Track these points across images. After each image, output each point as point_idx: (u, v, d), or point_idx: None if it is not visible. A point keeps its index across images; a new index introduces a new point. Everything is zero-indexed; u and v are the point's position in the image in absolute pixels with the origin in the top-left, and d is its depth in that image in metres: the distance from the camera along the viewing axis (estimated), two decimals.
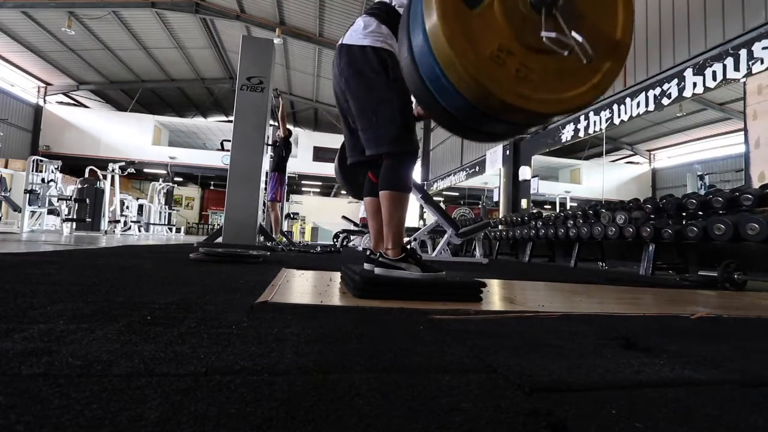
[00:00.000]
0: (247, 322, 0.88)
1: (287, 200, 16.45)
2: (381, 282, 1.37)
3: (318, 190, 23.23)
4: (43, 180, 8.27)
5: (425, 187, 8.02)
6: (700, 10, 5.69)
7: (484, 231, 4.99)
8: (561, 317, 1.16)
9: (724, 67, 5.21)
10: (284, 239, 6.64)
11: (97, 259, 2.31)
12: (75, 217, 8.09)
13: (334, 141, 17.80)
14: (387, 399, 0.50)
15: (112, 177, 9.24)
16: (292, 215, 14.21)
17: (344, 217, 9.64)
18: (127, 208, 10.55)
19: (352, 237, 9.56)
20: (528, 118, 1.03)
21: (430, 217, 5.75)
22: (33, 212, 7.99)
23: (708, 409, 0.52)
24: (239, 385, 0.51)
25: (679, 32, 5.98)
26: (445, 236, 4.70)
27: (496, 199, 12.24)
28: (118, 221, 9.69)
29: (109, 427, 0.39)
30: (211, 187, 23.38)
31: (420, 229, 5.56)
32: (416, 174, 15.72)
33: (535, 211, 8.32)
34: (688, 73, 5.71)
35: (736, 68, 5.07)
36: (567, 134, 8.21)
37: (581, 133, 7.85)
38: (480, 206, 18.33)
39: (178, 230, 15.77)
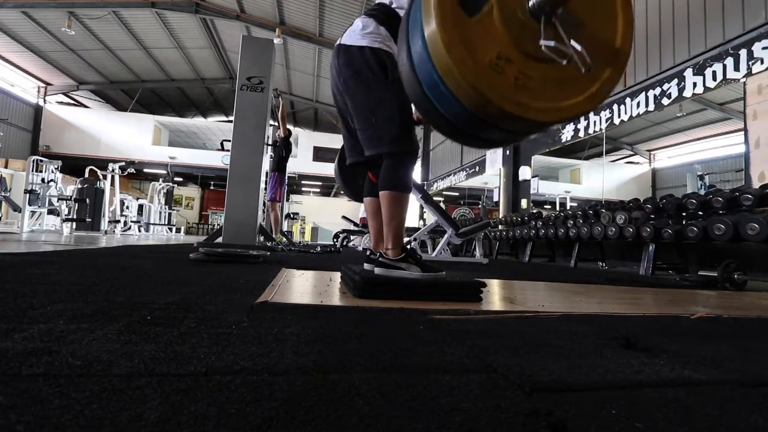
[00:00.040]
0: (247, 322, 0.88)
1: (287, 200, 16.46)
2: (381, 282, 1.37)
3: (318, 190, 23.23)
4: (43, 180, 8.27)
5: (425, 187, 8.02)
6: (700, 10, 5.69)
7: (484, 231, 4.99)
8: (561, 317, 1.16)
9: (724, 67, 5.21)
10: (284, 239, 6.64)
11: (97, 259, 2.31)
12: (75, 217, 8.09)
13: (334, 141, 17.83)
14: (387, 399, 0.50)
15: (112, 177, 9.24)
16: (292, 215, 14.21)
17: (344, 217, 9.64)
18: (127, 208, 10.55)
19: (352, 237, 9.56)
20: (526, 126, 1.03)
21: (430, 217, 5.75)
22: (33, 212, 7.99)
23: (708, 409, 0.52)
24: (239, 385, 0.51)
25: (679, 32, 5.98)
26: (445, 236, 4.70)
27: (496, 199, 12.24)
28: (118, 221, 9.69)
29: (109, 427, 0.39)
30: (211, 187, 23.39)
31: (420, 229, 5.56)
32: (416, 174, 15.73)
33: (535, 211, 8.32)
34: (688, 73, 5.71)
35: (736, 68, 5.07)
36: (567, 134, 8.22)
37: (581, 133, 7.86)
38: (480, 206, 18.33)
39: (178, 230, 15.77)
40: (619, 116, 6.90)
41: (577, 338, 0.90)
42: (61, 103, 18.20)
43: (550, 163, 18.77)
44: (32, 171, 8.06)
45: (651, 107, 6.33)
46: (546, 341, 0.86)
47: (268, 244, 4.84)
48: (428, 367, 0.64)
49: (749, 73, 4.94)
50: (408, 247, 1.49)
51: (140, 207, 11.92)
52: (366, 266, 1.56)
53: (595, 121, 7.43)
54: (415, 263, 1.43)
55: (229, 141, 4.34)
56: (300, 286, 1.62)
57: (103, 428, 0.38)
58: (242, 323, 0.87)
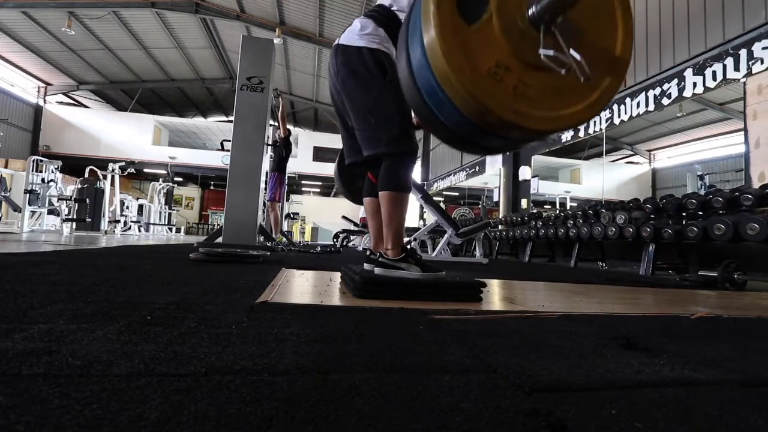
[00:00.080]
0: (247, 322, 0.88)
1: (287, 200, 16.46)
2: (381, 282, 1.37)
3: (318, 190, 23.23)
4: (43, 180, 8.27)
5: (425, 187, 8.02)
6: (700, 10, 5.69)
7: (484, 231, 4.99)
8: (561, 317, 1.16)
9: (724, 67, 5.21)
10: (284, 239, 6.64)
11: (97, 259, 2.31)
12: (75, 217, 8.09)
13: (334, 141, 17.82)
14: (387, 399, 0.50)
15: (112, 177, 9.24)
16: (292, 215, 14.21)
17: (344, 217, 9.64)
18: (127, 208, 10.55)
19: (352, 237, 9.56)
20: (525, 134, 1.03)
21: (430, 217, 5.75)
22: (33, 212, 8.00)
23: (708, 409, 0.52)
24: (239, 385, 0.51)
25: (679, 32, 5.99)
26: (445, 236, 4.70)
27: (496, 199, 12.24)
28: (118, 221, 9.69)
29: (109, 427, 0.39)
30: (211, 187, 23.39)
31: (420, 229, 5.56)
32: (416, 174, 15.73)
33: (534, 211, 8.32)
34: (688, 73, 5.71)
35: (736, 68, 5.07)
36: (567, 134, 8.22)
37: (581, 133, 7.86)
38: (480, 206, 18.33)
39: (178, 230, 15.77)
40: (619, 116, 6.90)
41: (577, 338, 0.90)
42: (61, 103, 18.20)
43: (550, 163, 18.77)
44: (32, 171, 8.06)
45: (651, 107, 6.34)
46: (546, 341, 0.86)
47: (268, 244, 4.84)
48: (428, 367, 0.64)
49: (749, 73, 4.94)
50: (408, 247, 1.49)
51: (140, 207, 11.92)
52: (366, 266, 1.55)
53: (595, 121, 7.43)
54: (415, 263, 1.43)
55: (229, 141, 4.34)
56: (300, 286, 1.62)
57: (103, 428, 0.38)
58: (242, 323, 0.87)
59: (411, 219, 14.78)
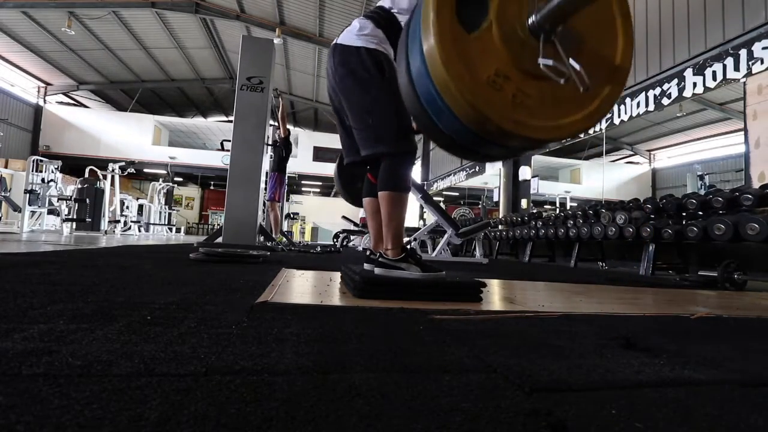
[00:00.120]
0: (247, 322, 0.88)
1: (287, 200, 16.46)
2: (381, 282, 1.37)
3: (318, 190, 23.23)
4: (43, 180, 8.27)
5: (425, 187, 8.02)
6: (700, 10, 5.69)
7: (484, 231, 4.99)
8: (561, 317, 1.16)
9: (724, 67, 5.21)
10: (284, 239, 6.64)
11: (97, 259, 2.31)
12: (75, 217, 8.09)
13: (334, 141, 17.80)
14: (387, 399, 0.50)
15: (112, 177, 9.24)
16: (292, 215, 14.21)
17: (344, 217, 9.64)
18: (127, 208, 10.55)
19: (352, 237, 9.56)
20: (524, 143, 1.03)
21: (430, 217, 5.75)
22: (33, 212, 7.99)
23: (708, 409, 0.52)
24: (239, 385, 0.51)
25: (679, 32, 5.98)
26: (445, 236, 4.70)
27: (496, 199, 12.25)
28: (118, 221, 9.69)
29: (109, 427, 0.39)
30: (211, 187, 23.39)
31: (420, 229, 5.56)
32: (416, 174, 15.73)
33: (535, 210, 8.32)
34: (688, 73, 5.71)
35: (736, 68, 5.07)
36: None
37: (581, 134, 7.85)
38: (480, 206, 18.33)
39: (178, 230, 15.77)
40: (619, 116, 6.90)
41: (577, 338, 0.90)
42: (61, 103, 18.20)
43: (550, 163, 18.78)
44: (32, 171, 8.06)
45: (651, 107, 6.33)
46: (546, 341, 0.86)
47: (268, 244, 4.84)
48: (428, 367, 0.64)
49: (749, 73, 4.94)
50: (408, 247, 1.49)
51: (140, 207, 11.92)
52: (366, 266, 1.55)
53: None
54: (415, 263, 1.43)
55: (229, 141, 4.34)
56: (300, 286, 1.62)
57: (103, 428, 0.38)
58: (242, 323, 0.87)
59: (411, 219, 14.78)
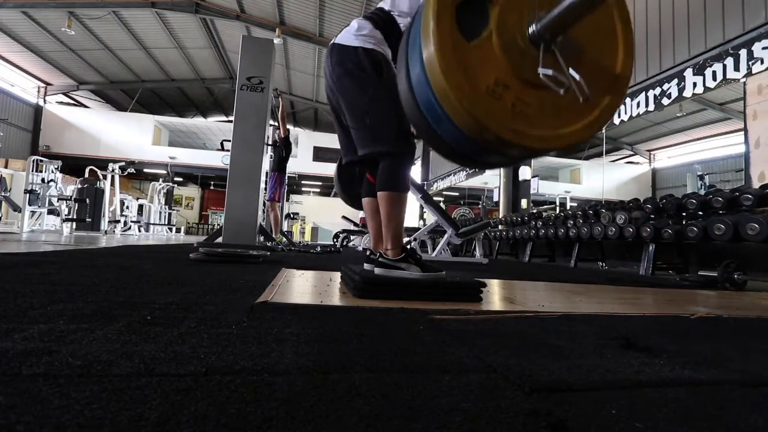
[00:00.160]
0: (247, 322, 0.88)
1: (287, 200, 16.46)
2: (381, 282, 1.37)
3: (318, 190, 23.23)
4: (43, 180, 8.27)
5: (425, 187, 8.02)
6: (700, 10, 5.69)
7: (484, 231, 4.99)
8: (561, 317, 1.16)
9: (724, 67, 5.21)
10: (284, 239, 6.64)
11: (97, 259, 2.31)
12: (75, 217, 8.09)
13: (334, 141, 17.71)
14: (387, 399, 0.50)
15: (112, 177, 9.24)
16: (292, 215, 14.21)
17: (344, 217, 9.64)
18: (127, 208, 10.55)
19: (352, 237, 9.56)
20: (523, 152, 1.03)
21: (430, 217, 5.75)
22: (33, 212, 7.99)
23: (708, 409, 0.52)
24: (239, 385, 0.51)
25: (679, 32, 5.99)
26: (445, 236, 4.70)
27: (496, 199, 12.24)
28: (118, 221, 9.69)
29: (109, 427, 0.39)
30: (211, 187, 23.39)
31: (420, 229, 5.56)
32: (416, 174, 15.73)
33: (535, 210, 8.32)
34: (688, 73, 5.71)
35: (736, 68, 5.07)
36: None
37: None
38: (480, 206, 18.33)
39: (178, 230, 15.77)
40: (619, 116, 6.90)
41: (577, 338, 0.90)
42: (61, 103, 18.20)
43: (550, 163, 18.79)
44: (32, 171, 8.06)
45: (651, 107, 6.34)
46: (546, 341, 0.86)
47: (268, 244, 4.84)
48: (428, 367, 0.64)
49: (749, 73, 4.94)
50: (408, 247, 1.49)
51: (140, 207, 11.92)
52: (366, 266, 1.55)
53: None
54: (415, 263, 1.43)
55: (229, 141, 4.34)
56: (300, 286, 1.62)
57: (103, 428, 0.38)
58: (242, 323, 0.87)
59: (411, 219, 14.78)
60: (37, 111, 16.85)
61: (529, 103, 0.94)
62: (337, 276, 1.96)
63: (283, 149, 5.99)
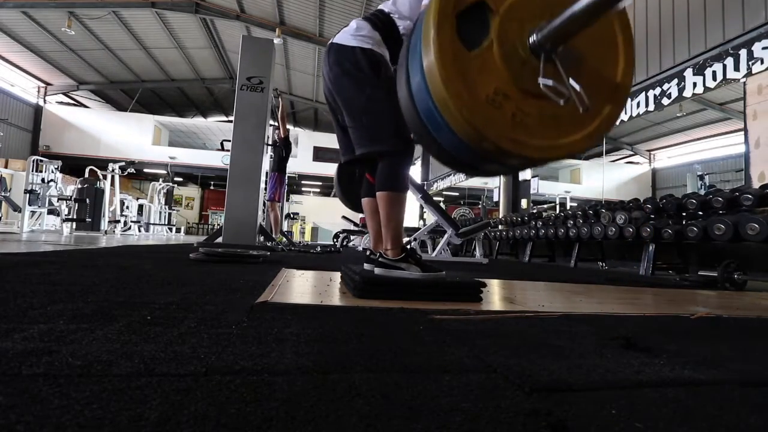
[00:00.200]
0: (247, 322, 0.88)
1: (287, 200, 16.46)
2: (381, 282, 1.37)
3: (318, 190, 23.23)
4: (43, 180, 8.27)
5: (425, 187, 8.01)
6: (700, 10, 5.69)
7: (484, 231, 4.99)
8: (561, 317, 1.16)
9: (724, 67, 5.21)
10: (284, 239, 6.64)
11: (97, 259, 2.31)
12: (75, 217, 8.09)
13: (334, 141, 17.61)
14: (387, 399, 0.50)
15: (112, 177, 9.24)
16: (292, 215, 14.21)
17: (344, 217, 9.64)
18: (127, 208, 10.55)
19: (352, 237, 9.56)
20: (523, 162, 1.03)
21: (430, 217, 5.75)
22: (33, 212, 7.99)
23: (708, 409, 0.52)
24: (239, 385, 0.51)
25: (679, 32, 5.99)
26: (445, 236, 4.70)
27: (496, 199, 12.23)
28: (118, 221, 9.69)
29: (109, 427, 0.39)
30: (211, 187, 23.38)
31: (420, 229, 5.56)
32: (416, 174, 15.72)
33: (535, 210, 8.32)
34: (688, 73, 5.71)
35: (736, 68, 5.07)
36: None
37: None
38: (480, 206, 18.34)
39: (178, 230, 15.76)
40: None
41: (577, 338, 0.90)
42: (61, 103, 18.20)
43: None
44: (32, 171, 8.06)
45: (651, 107, 6.34)
46: (546, 341, 0.86)
47: (268, 244, 4.84)
48: (428, 367, 0.64)
49: (749, 73, 4.94)
50: (408, 247, 1.49)
51: (140, 207, 11.92)
52: (366, 266, 1.55)
53: None
54: (415, 263, 1.43)
55: (229, 141, 4.34)
56: (300, 286, 1.62)
57: (103, 428, 0.38)
58: (242, 323, 0.87)
59: (411, 219, 14.77)
60: (37, 111, 16.85)
61: (529, 113, 0.94)
62: (337, 276, 1.96)
63: (283, 149, 5.99)
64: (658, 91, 6.18)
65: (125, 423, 0.40)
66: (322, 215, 21.09)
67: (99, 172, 9.50)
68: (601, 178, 17.29)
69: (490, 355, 0.72)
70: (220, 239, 4.17)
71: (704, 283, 2.74)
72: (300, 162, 17.86)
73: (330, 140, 18.54)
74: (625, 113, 6.75)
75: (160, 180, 13.98)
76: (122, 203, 10.14)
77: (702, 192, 6.94)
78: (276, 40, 7.72)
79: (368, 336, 0.82)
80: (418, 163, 16.02)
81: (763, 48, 4.76)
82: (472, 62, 0.92)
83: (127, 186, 16.85)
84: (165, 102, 20.17)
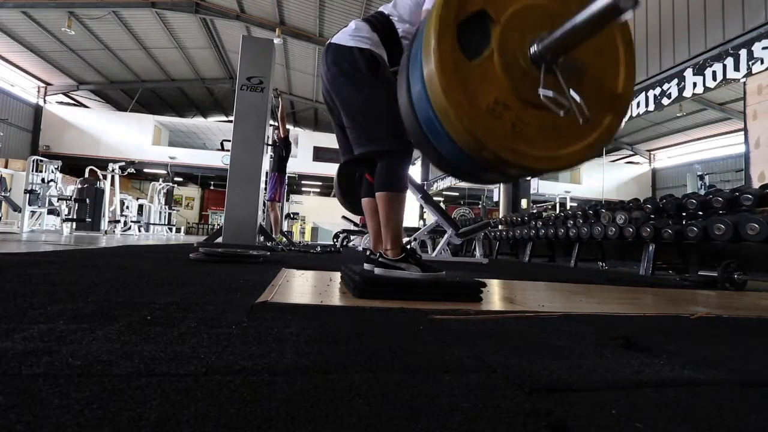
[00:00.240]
0: (247, 322, 0.88)
1: (287, 200, 16.46)
2: (381, 282, 1.37)
3: (318, 190, 23.23)
4: (43, 180, 8.26)
5: (425, 187, 8.01)
6: (700, 10, 5.69)
7: (484, 231, 4.98)
8: (561, 317, 1.16)
9: (724, 67, 5.21)
10: (284, 239, 6.64)
11: (97, 259, 2.31)
12: (75, 217, 8.09)
13: (334, 141, 17.52)
14: (387, 399, 0.50)
15: (112, 177, 9.24)
16: (292, 215, 14.21)
17: (344, 217, 9.63)
18: (127, 208, 10.55)
19: (352, 237, 9.56)
20: (522, 172, 1.03)
21: (430, 217, 5.75)
22: (33, 212, 7.99)
23: (708, 409, 0.52)
24: (239, 385, 0.51)
25: (679, 32, 5.99)
26: (445, 236, 4.70)
27: (496, 199, 12.24)
28: (118, 221, 9.69)
29: (109, 427, 0.39)
30: (211, 187, 23.38)
31: (420, 229, 5.56)
32: (416, 174, 15.72)
33: (535, 210, 8.32)
34: (688, 73, 5.72)
35: (736, 68, 5.07)
36: None
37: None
38: (480, 206, 18.34)
39: (178, 230, 15.76)
40: None
41: (577, 338, 0.90)
42: (61, 103, 18.20)
43: None
44: (32, 171, 8.05)
45: (651, 107, 6.34)
46: (546, 341, 0.86)
47: (268, 244, 4.84)
48: (428, 367, 0.64)
49: (749, 73, 4.94)
50: (408, 247, 1.49)
51: (140, 207, 11.92)
52: (366, 266, 1.55)
53: None
54: (415, 263, 1.43)
55: (229, 141, 4.34)
56: (300, 286, 1.62)
57: (103, 428, 0.38)
58: (242, 323, 0.87)
59: (411, 219, 14.78)
60: (37, 111, 16.85)
61: (529, 123, 0.94)
62: (337, 276, 1.96)
63: (283, 149, 5.99)
64: (658, 91, 6.18)
65: (125, 423, 0.40)
66: (322, 215, 21.08)
67: (99, 172, 9.50)
68: (601, 178, 17.29)
69: (490, 355, 0.72)
70: (220, 239, 4.17)
71: (704, 283, 2.74)
72: (300, 162, 17.86)
73: (330, 140, 18.53)
74: None
75: (160, 180, 13.98)
76: (122, 203, 10.14)
77: (702, 192, 6.94)
78: (276, 40, 7.72)
79: (368, 336, 0.82)
80: (418, 163, 16.03)
81: (763, 48, 4.77)
82: (473, 72, 0.92)
83: (127, 186, 16.85)
84: (165, 102, 20.17)
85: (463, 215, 18.15)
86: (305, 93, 17.92)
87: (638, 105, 6.52)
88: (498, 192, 11.10)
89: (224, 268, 2.18)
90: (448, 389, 0.55)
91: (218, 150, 17.58)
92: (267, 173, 5.95)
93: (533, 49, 0.93)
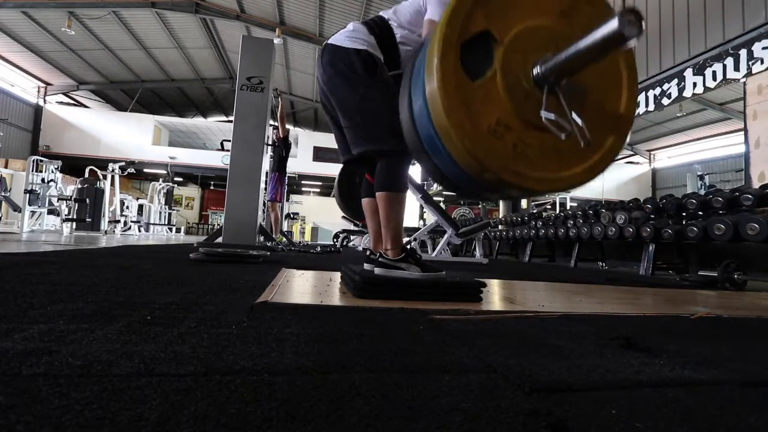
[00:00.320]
0: (247, 322, 0.88)
1: (287, 200, 16.46)
2: (381, 282, 1.37)
3: (318, 190, 23.23)
4: (43, 180, 8.26)
5: (425, 187, 8.01)
6: (700, 10, 5.69)
7: (484, 231, 4.98)
8: (561, 317, 1.16)
9: (724, 67, 5.22)
10: (284, 239, 6.64)
11: (97, 259, 2.31)
12: (75, 217, 8.09)
13: (334, 141, 17.69)
14: (387, 399, 0.50)
15: (112, 177, 9.24)
16: (292, 215, 14.21)
17: (344, 217, 9.62)
18: (127, 208, 10.55)
19: (352, 237, 9.56)
20: (523, 193, 1.03)
21: (430, 217, 5.75)
22: (33, 212, 7.99)
23: (708, 409, 0.52)
24: (239, 385, 0.51)
25: (679, 32, 5.99)
26: (445, 236, 4.70)
27: None
28: (118, 221, 9.68)
29: (109, 427, 0.39)
30: (211, 187, 23.38)
31: (420, 229, 5.56)
32: (416, 174, 15.70)
33: (535, 210, 8.32)
34: (688, 73, 5.72)
35: (736, 68, 5.07)
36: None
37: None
38: (480, 206, 18.33)
39: (178, 230, 15.76)
40: None
41: (577, 338, 0.90)
42: (61, 103, 18.19)
43: None
44: (32, 171, 8.05)
45: (651, 107, 6.34)
46: (546, 341, 0.86)
47: (268, 244, 4.84)
48: (428, 367, 0.64)
49: (749, 73, 4.95)
50: (408, 247, 1.49)
51: (140, 207, 11.92)
52: (366, 266, 1.55)
53: None
54: (415, 263, 1.43)
55: (229, 141, 4.34)
56: (300, 286, 1.62)
57: (103, 428, 0.38)
58: (242, 323, 0.87)
59: (411, 219, 14.77)
60: (37, 111, 16.84)
61: (531, 144, 0.93)
62: (337, 276, 1.96)
63: (283, 149, 5.99)
64: (658, 91, 6.18)
65: (125, 423, 0.40)
66: (322, 215, 21.07)
67: (99, 172, 9.50)
68: (601, 178, 17.26)
69: (490, 355, 0.72)
70: (220, 239, 4.17)
71: (704, 283, 2.74)
72: (300, 162, 17.85)
73: (330, 140, 18.40)
74: None
75: (160, 180, 13.97)
76: (122, 203, 10.13)
77: (702, 192, 6.94)
78: (276, 40, 7.72)
79: (368, 336, 0.82)
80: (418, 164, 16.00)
81: (763, 48, 4.77)
82: (475, 92, 0.91)
83: (127, 186, 16.85)
84: (165, 102, 20.16)
85: (463, 215, 18.15)
86: (305, 93, 17.91)
87: (638, 105, 6.52)
88: None
89: (224, 268, 2.18)
90: (448, 389, 0.55)
91: (218, 150, 17.58)
92: (267, 173, 5.95)
93: (536, 70, 0.93)
